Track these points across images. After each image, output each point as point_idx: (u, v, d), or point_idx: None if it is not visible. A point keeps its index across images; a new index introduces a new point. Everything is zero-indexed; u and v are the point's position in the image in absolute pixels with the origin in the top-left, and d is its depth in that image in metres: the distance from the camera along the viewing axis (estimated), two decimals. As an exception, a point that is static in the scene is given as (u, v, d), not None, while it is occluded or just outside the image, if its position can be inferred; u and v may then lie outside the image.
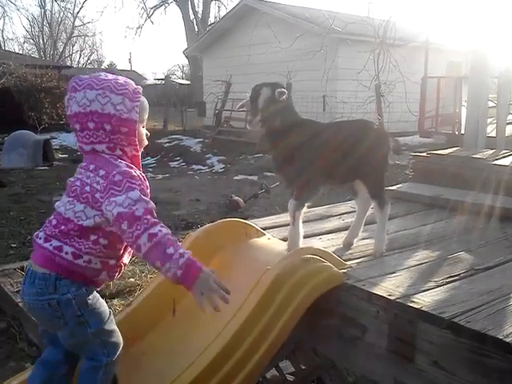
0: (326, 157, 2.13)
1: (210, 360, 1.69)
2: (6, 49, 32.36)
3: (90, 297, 1.63)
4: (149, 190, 1.63)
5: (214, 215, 5.80)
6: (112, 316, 1.71)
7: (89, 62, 43.99)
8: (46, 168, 9.88)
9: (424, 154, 3.92)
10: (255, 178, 8.43)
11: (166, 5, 30.43)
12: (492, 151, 4.04)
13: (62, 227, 1.60)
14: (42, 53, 39.91)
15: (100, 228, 1.59)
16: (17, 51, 33.02)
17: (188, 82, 28.12)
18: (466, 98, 5.65)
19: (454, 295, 1.80)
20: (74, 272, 1.59)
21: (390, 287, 1.87)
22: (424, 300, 1.75)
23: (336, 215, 3.03)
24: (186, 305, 2.15)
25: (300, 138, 2.11)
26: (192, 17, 28.90)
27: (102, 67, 41.46)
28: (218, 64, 16.62)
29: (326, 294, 1.91)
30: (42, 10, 40.93)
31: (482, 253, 2.30)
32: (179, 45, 35.62)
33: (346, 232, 2.44)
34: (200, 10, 29.59)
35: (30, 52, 39.16)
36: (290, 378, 2.29)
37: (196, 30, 28.10)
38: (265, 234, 2.43)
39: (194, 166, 11.13)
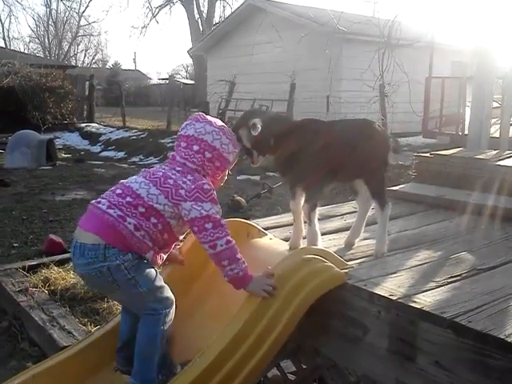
0: (326, 156, 2.13)
1: (211, 359, 1.70)
2: (12, 48, 32.45)
3: (137, 261, 1.81)
4: None
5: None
6: (159, 275, 1.91)
7: (93, 61, 44.17)
8: (50, 168, 9.87)
9: (427, 155, 3.92)
10: (257, 177, 8.40)
11: (171, 4, 30.45)
12: (495, 152, 4.02)
13: (130, 199, 1.81)
14: (47, 52, 40.10)
15: (162, 215, 1.82)
16: (22, 50, 33.17)
17: (192, 82, 28.11)
18: (470, 99, 5.63)
19: (455, 295, 1.80)
20: (126, 242, 1.78)
21: (391, 287, 1.87)
22: (425, 300, 1.75)
23: (338, 215, 3.03)
24: (187, 305, 2.16)
25: (300, 140, 2.12)
26: (197, 16, 28.94)
27: (107, 67, 41.51)
28: (223, 63, 16.65)
29: (328, 294, 1.91)
30: (48, 10, 41.20)
31: (485, 253, 2.29)
32: (184, 44, 35.85)
33: (348, 232, 2.45)
34: (205, 9, 29.63)
35: (35, 51, 39.44)
36: (292, 377, 2.29)
37: (201, 29, 28.10)
38: (267, 234, 2.43)
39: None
